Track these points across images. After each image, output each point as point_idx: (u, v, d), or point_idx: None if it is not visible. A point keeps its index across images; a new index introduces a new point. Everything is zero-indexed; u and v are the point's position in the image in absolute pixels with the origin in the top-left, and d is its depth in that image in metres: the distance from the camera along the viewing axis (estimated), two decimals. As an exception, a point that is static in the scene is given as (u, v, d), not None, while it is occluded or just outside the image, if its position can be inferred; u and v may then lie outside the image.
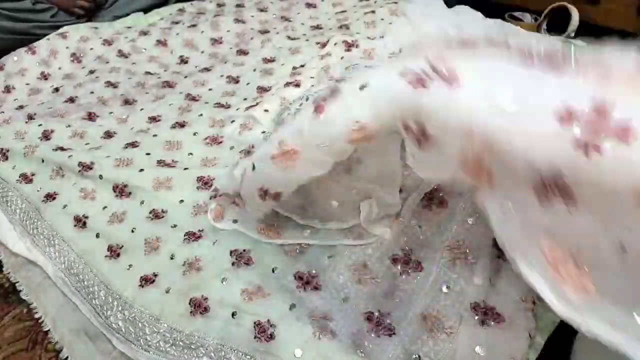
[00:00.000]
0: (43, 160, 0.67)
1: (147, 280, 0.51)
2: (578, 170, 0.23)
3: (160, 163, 0.65)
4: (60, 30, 0.97)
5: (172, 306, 0.48)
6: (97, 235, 0.57)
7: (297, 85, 0.76)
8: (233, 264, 0.50)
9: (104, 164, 0.64)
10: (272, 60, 0.88)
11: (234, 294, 0.47)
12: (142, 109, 0.78)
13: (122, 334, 0.47)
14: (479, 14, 0.94)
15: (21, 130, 0.73)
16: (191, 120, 0.74)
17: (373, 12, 0.98)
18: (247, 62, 0.89)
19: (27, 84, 0.89)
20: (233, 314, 0.46)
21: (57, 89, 0.88)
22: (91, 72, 0.92)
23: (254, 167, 0.43)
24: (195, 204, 0.59)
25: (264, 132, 0.69)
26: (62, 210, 0.60)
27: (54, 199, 0.62)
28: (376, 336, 0.42)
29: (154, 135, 0.71)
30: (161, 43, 0.97)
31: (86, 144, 0.71)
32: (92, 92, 0.84)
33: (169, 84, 0.85)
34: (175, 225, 0.56)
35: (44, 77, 0.91)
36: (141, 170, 0.63)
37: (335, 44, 0.86)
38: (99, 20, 1.10)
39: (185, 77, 0.87)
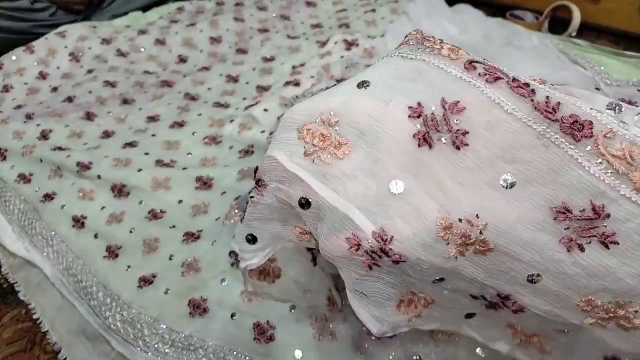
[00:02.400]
0: (41, 160, 0.67)
1: (145, 281, 0.50)
2: None
3: (159, 163, 0.64)
4: (59, 30, 0.97)
5: (171, 307, 0.47)
6: (96, 236, 0.56)
7: (297, 84, 0.76)
8: (232, 264, 0.49)
9: (102, 164, 0.64)
10: (271, 59, 0.87)
11: (234, 295, 0.47)
12: (140, 109, 0.78)
13: (120, 335, 0.47)
14: (480, 13, 0.93)
15: (19, 130, 0.73)
16: (190, 119, 0.74)
17: (373, 10, 0.98)
18: (246, 61, 0.88)
19: (26, 84, 0.88)
20: (232, 315, 0.45)
21: (55, 89, 0.87)
22: (89, 71, 0.91)
23: None
24: (194, 204, 0.58)
25: (263, 131, 0.68)
26: (61, 211, 0.60)
27: (52, 199, 0.62)
28: (377, 338, 0.42)
29: (153, 135, 0.71)
30: (160, 42, 0.97)
31: (84, 144, 0.70)
32: (90, 92, 0.84)
33: (167, 84, 0.85)
34: (174, 226, 0.56)
35: (42, 76, 0.90)
36: (140, 170, 0.62)
37: (335, 43, 0.85)
38: (98, 19, 1.09)
39: (184, 76, 0.87)
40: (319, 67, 0.79)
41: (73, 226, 0.58)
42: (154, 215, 0.58)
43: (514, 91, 0.27)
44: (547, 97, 0.27)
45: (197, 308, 0.46)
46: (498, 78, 0.27)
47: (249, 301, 0.46)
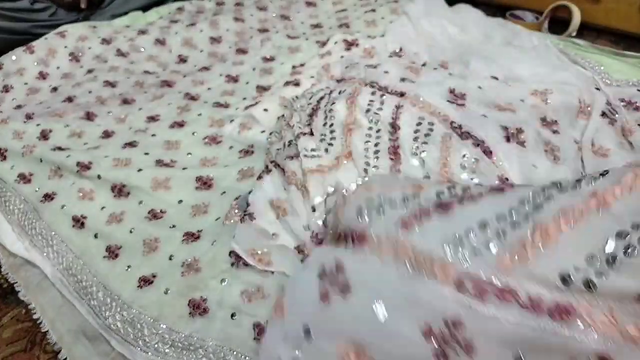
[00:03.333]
0: (41, 160, 0.67)
1: (145, 281, 0.50)
2: None
3: (159, 163, 0.64)
4: (59, 30, 0.97)
5: (171, 307, 0.47)
6: (96, 236, 0.56)
7: (297, 84, 0.76)
8: (232, 264, 0.49)
9: (102, 163, 0.64)
10: (271, 59, 0.87)
11: (233, 295, 0.47)
12: (140, 109, 0.78)
13: (120, 335, 0.47)
14: (480, 13, 0.93)
15: (19, 130, 0.73)
16: (190, 119, 0.74)
17: (373, 10, 0.98)
18: (246, 61, 0.88)
19: (26, 84, 0.89)
20: (232, 315, 0.45)
21: (55, 89, 0.87)
22: (89, 71, 0.91)
23: None
24: (194, 205, 0.58)
25: (263, 131, 0.68)
26: (61, 211, 0.60)
27: (52, 199, 0.62)
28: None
29: (153, 135, 0.71)
30: (160, 42, 0.97)
31: (84, 144, 0.70)
32: (90, 92, 0.84)
33: (167, 84, 0.85)
34: (174, 226, 0.56)
35: (42, 76, 0.90)
36: (140, 170, 0.62)
37: (335, 43, 0.85)
38: (98, 19, 1.09)
39: (184, 76, 0.87)
40: (319, 67, 0.79)
41: (73, 226, 0.58)
42: (154, 215, 0.58)
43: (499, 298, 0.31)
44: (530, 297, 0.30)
45: (197, 308, 0.46)
46: (484, 292, 0.31)
47: (249, 301, 0.46)
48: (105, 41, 0.97)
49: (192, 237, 0.54)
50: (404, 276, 0.34)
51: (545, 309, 0.30)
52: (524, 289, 0.30)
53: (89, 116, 0.76)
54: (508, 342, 0.30)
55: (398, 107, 0.58)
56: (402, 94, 0.61)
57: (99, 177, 0.62)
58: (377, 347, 0.33)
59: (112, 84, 0.86)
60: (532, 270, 0.31)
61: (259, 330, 0.44)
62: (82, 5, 1.07)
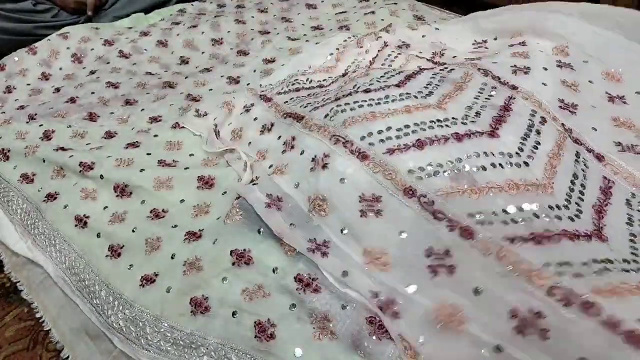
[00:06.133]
0: (44, 160, 0.67)
1: (147, 280, 0.51)
2: None
3: (161, 163, 0.65)
4: (61, 31, 0.97)
5: (173, 306, 0.48)
6: (98, 235, 0.57)
7: (298, 85, 0.76)
8: (233, 263, 0.50)
9: (104, 164, 0.64)
10: (272, 61, 0.88)
11: (235, 294, 0.47)
12: (142, 109, 0.78)
13: (122, 333, 0.47)
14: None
15: (22, 131, 0.73)
16: (192, 120, 0.74)
17: (373, 12, 0.98)
18: (247, 63, 0.89)
19: (28, 84, 0.89)
20: (233, 314, 0.46)
21: (58, 89, 0.88)
22: (92, 72, 0.92)
23: None
24: (196, 204, 0.59)
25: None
26: (63, 210, 0.60)
27: (55, 199, 0.62)
28: (377, 338, 0.42)
29: (155, 136, 0.71)
30: (162, 43, 0.98)
31: (87, 144, 0.71)
32: (93, 93, 0.84)
33: (169, 85, 0.85)
34: (175, 225, 0.56)
35: (45, 77, 0.91)
36: (142, 170, 0.63)
37: (335, 45, 0.86)
38: (100, 21, 1.10)
39: (186, 77, 0.87)
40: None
41: (76, 226, 0.58)
42: (156, 214, 0.58)
43: None
44: None
45: (199, 306, 0.47)
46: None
47: (250, 300, 0.46)
48: (108, 42, 0.98)
49: (193, 236, 0.54)
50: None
51: None
52: None
53: (92, 117, 0.77)
54: None
55: (511, 97, 0.56)
56: (514, 88, 0.58)
57: (101, 177, 0.63)
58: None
59: (114, 85, 0.86)
60: None
61: (260, 328, 0.44)
62: (89, 12, 1.08)
